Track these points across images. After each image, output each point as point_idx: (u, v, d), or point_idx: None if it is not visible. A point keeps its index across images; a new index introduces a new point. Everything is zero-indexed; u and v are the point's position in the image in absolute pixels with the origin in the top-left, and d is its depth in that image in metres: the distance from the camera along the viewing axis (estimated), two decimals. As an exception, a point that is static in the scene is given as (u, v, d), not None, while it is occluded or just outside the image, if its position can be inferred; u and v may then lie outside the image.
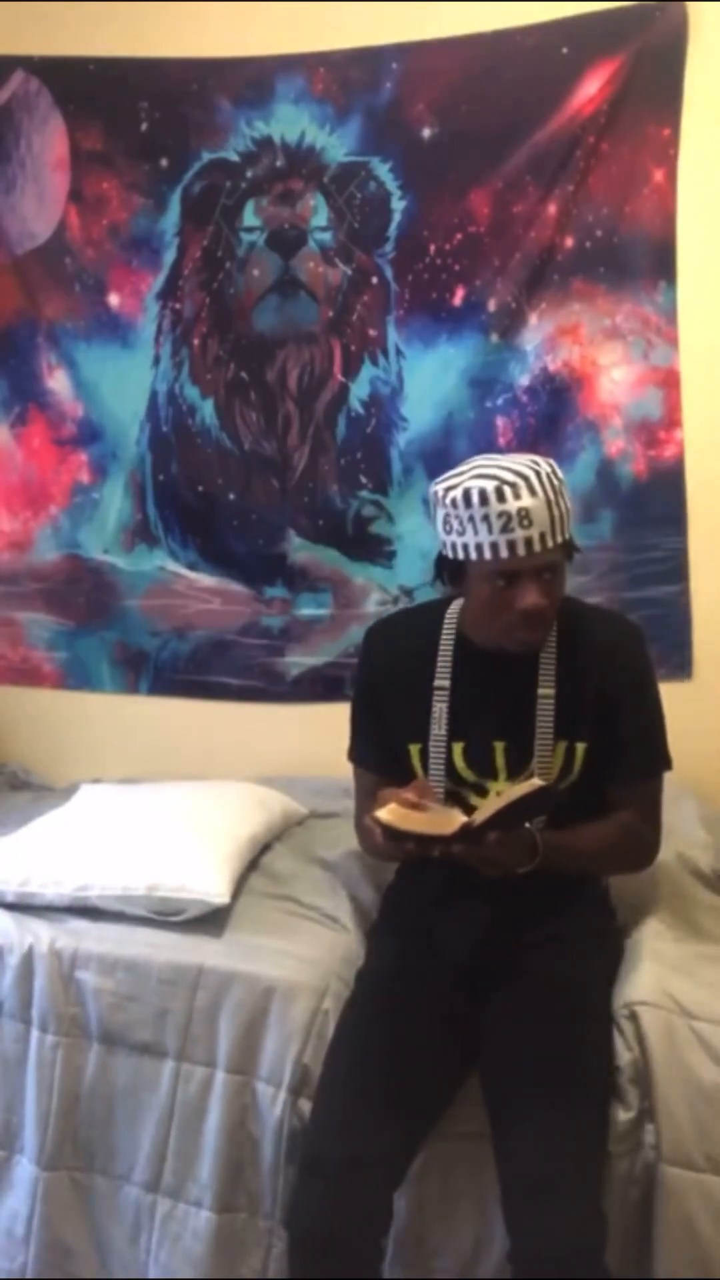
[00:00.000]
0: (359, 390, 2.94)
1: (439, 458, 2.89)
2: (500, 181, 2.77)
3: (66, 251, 3.01)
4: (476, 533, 1.78)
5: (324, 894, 2.22)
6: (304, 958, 1.97)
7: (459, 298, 2.85)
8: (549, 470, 1.81)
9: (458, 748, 1.92)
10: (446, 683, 1.92)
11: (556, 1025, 1.78)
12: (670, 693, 2.80)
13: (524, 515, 1.75)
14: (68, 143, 2.98)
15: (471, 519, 1.77)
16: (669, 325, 2.76)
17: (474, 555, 1.80)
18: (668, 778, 2.68)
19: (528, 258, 2.79)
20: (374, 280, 2.89)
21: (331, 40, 2.84)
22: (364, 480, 2.95)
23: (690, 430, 2.78)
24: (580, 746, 1.90)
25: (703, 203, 2.71)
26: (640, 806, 1.95)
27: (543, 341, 2.82)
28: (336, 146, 2.87)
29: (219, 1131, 1.89)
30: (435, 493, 1.85)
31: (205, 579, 3.08)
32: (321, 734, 2.84)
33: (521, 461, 1.81)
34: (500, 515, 1.75)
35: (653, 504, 2.82)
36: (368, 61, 2.82)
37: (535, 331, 2.82)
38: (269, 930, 2.07)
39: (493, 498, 1.75)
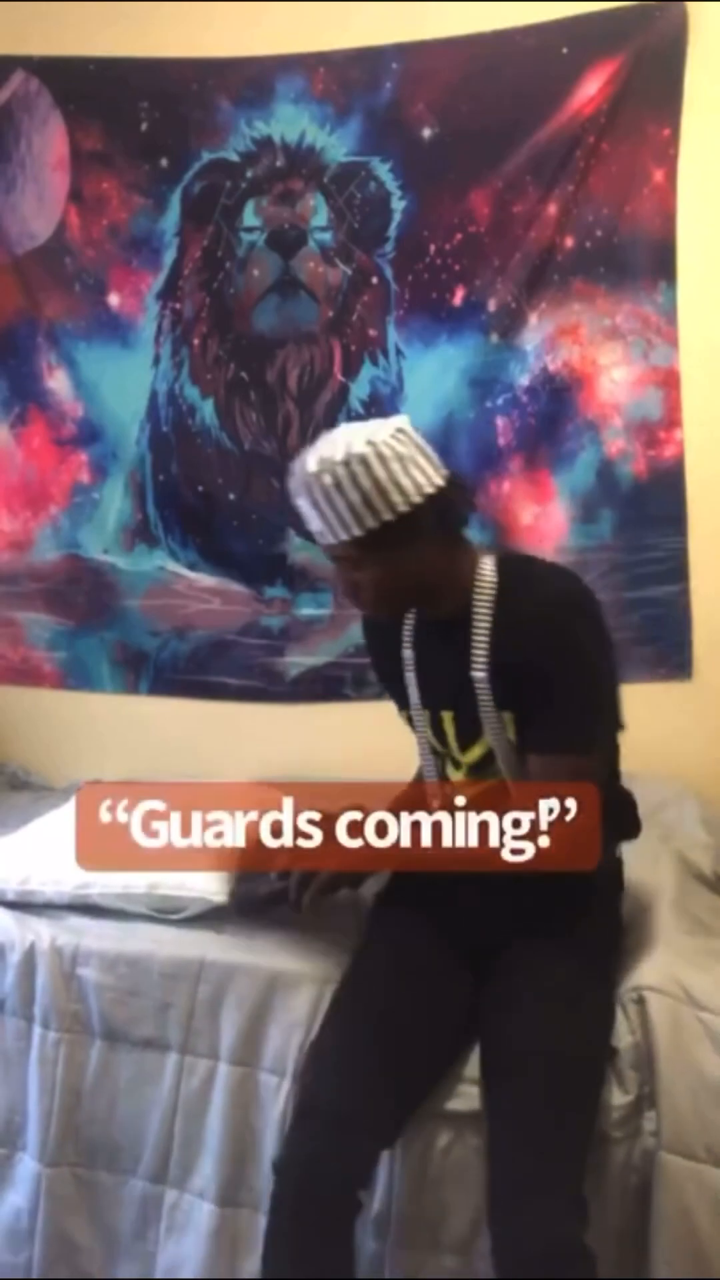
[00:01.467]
0: (359, 390, 2.94)
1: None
2: (500, 181, 2.78)
3: (66, 251, 3.02)
4: (303, 517, 1.78)
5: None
6: (305, 947, 1.97)
7: (459, 298, 2.86)
8: (360, 452, 1.69)
9: (423, 717, 1.91)
10: (410, 653, 1.91)
11: (546, 1022, 1.76)
12: (670, 693, 2.85)
13: (318, 504, 1.71)
14: (68, 143, 2.99)
15: (298, 504, 1.77)
16: (669, 325, 2.76)
17: None
18: (668, 778, 2.72)
19: (528, 258, 2.79)
20: (374, 280, 2.90)
21: (331, 40, 2.85)
22: (364, 480, 2.95)
23: (690, 430, 2.79)
24: (508, 716, 1.82)
25: (703, 203, 2.72)
26: (547, 781, 1.78)
27: (543, 341, 2.82)
28: (336, 146, 2.88)
29: (223, 1123, 1.88)
30: None
31: (205, 579, 3.09)
32: (321, 734, 2.85)
33: (338, 442, 1.70)
34: (308, 504, 1.73)
35: (653, 504, 2.82)
36: (368, 61, 2.83)
37: (535, 331, 2.83)
38: (270, 922, 2.06)
39: (302, 489, 1.73)
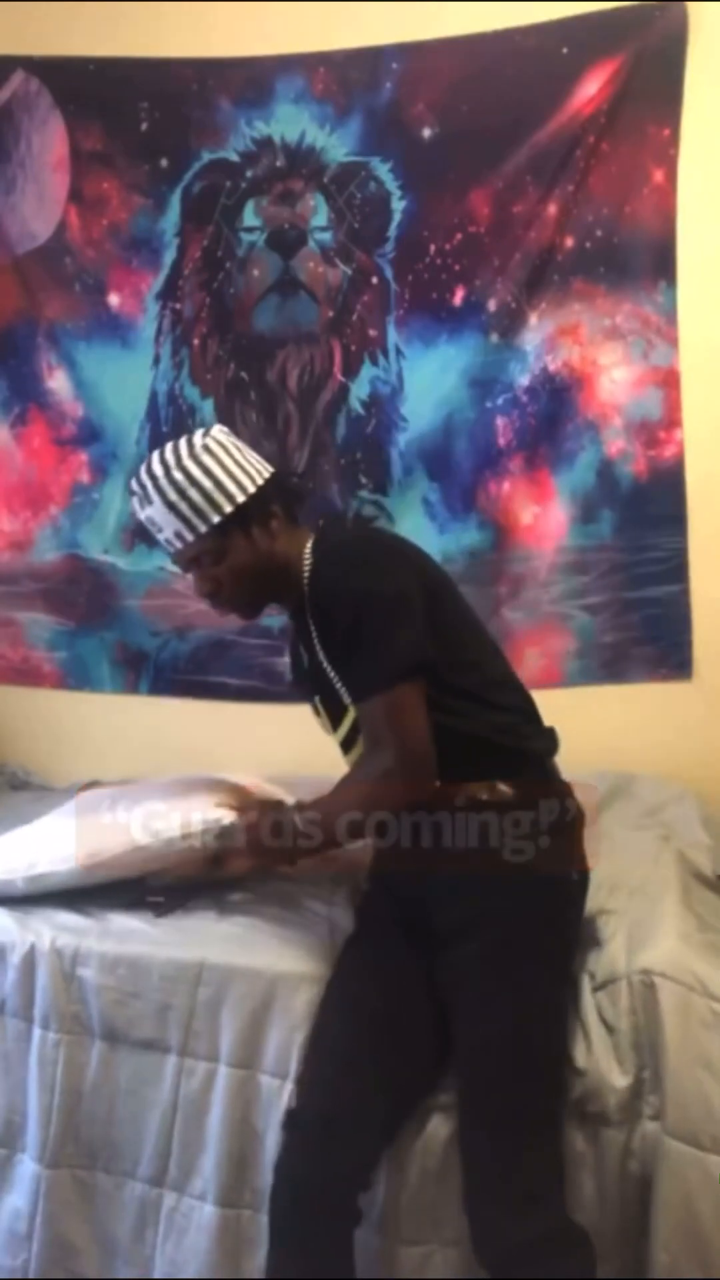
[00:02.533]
0: (359, 390, 2.94)
1: (439, 458, 2.90)
2: (500, 181, 2.78)
3: (66, 251, 3.02)
4: None
5: (324, 886, 2.22)
6: (305, 948, 1.97)
7: (459, 298, 2.86)
8: (177, 460, 1.86)
9: (320, 704, 1.98)
10: (291, 658, 2.07)
11: (485, 1009, 1.77)
12: (670, 693, 2.86)
13: (151, 523, 1.89)
14: (68, 143, 2.99)
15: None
16: (669, 325, 2.76)
17: None
18: (668, 778, 2.72)
19: (528, 258, 2.79)
20: (374, 280, 2.90)
21: (331, 40, 2.85)
22: (364, 480, 2.96)
23: (690, 430, 2.79)
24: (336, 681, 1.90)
25: (703, 203, 2.72)
26: (367, 729, 1.85)
27: (543, 341, 2.82)
28: (336, 146, 2.88)
29: (223, 1125, 1.88)
30: None
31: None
32: (321, 734, 2.84)
33: (161, 457, 1.88)
34: (144, 522, 1.92)
35: (653, 504, 2.82)
36: (368, 61, 2.83)
37: (535, 331, 2.83)
38: (270, 923, 2.07)
39: (137, 506, 1.91)
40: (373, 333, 2.92)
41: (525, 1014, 1.75)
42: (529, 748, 1.92)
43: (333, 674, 1.87)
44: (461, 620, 1.95)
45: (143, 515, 1.90)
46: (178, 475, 1.84)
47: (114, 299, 3.03)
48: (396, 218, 2.87)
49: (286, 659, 3.02)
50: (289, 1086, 1.85)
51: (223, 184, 2.95)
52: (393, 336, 2.91)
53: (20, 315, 3.08)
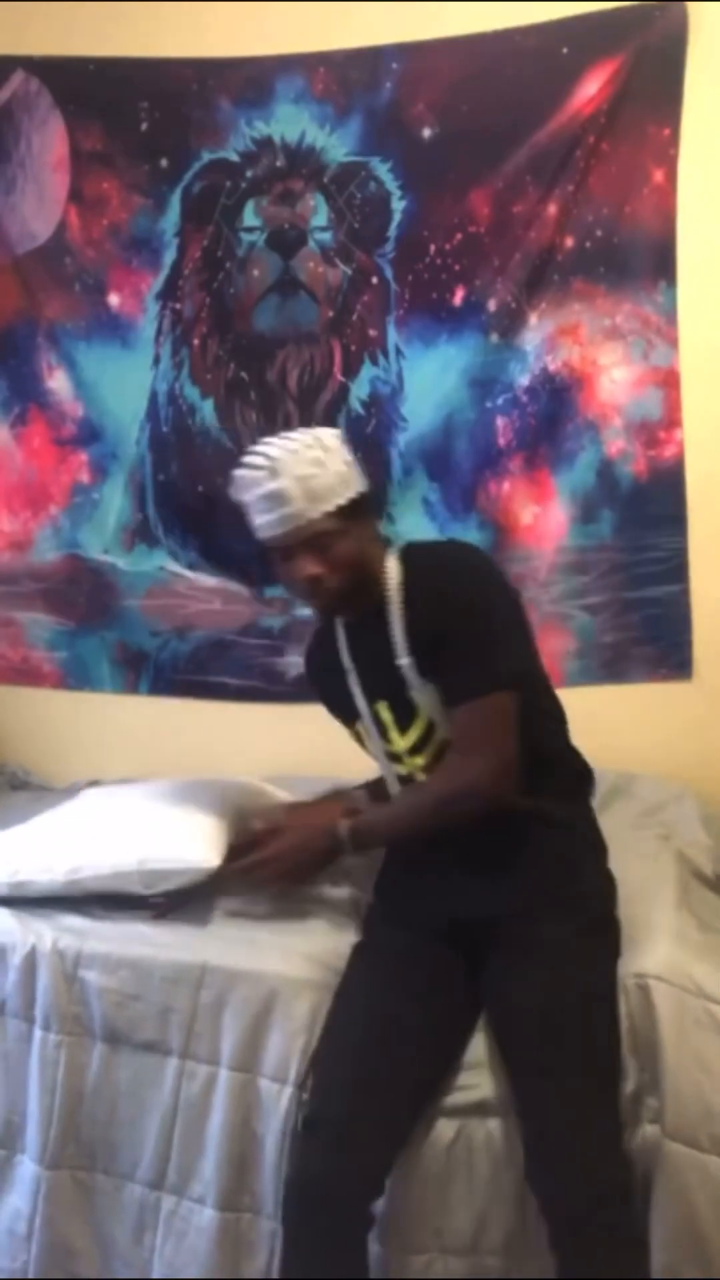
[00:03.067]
0: (359, 390, 2.94)
1: (439, 458, 2.90)
2: (500, 181, 2.78)
3: (66, 251, 3.02)
4: (254, 515, 1.91)
5: (325, 889, 2.21)
6: (308, 954, 1.97)
7: (459, 298, 2.85)
8: (310, 442, 1.89)
9: (383, 707, 1.98)
10: (350, 663, 2.01)
11: (556, 978, 1.79)
12: (670, 693, 2.86)
13: (275, 496, 1.86)
14: (68, 143, 2.99)
15: (245, 504, 1.91)
16: (669, 325, 2.76)
17: (259, 536, 1.93)
18: (668, 778, 2.72)
19: (528, 258, 2.79)
20: (374, 280, 2.90)
21: (331, 40, 2.84)
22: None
23: (690, 430, 2.78)
24: (431, 686, 1.92)
25: (703, 203, 2.72)
26: (463, 737, 1.89)
27: (543, 341, 2.82)
28: (336, 146, 2.88)
29: (223, 1129, 1.88)
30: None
31: (205, 579, 3.09)
32: (321, 734, 2.83)
33: (276, 444, 1.90)
34: (258, 499, 1.88)
35: (653, 504, 2.82)
36: (368, 61, 2.83)
37: (535, 331, 2.82)
38: (272, 927, 2.07)
39: (249, 484, 1.88)
40: (373, 333, 2.92)
41: (596, 998, 1.79)
42: (586, 770, 2.04)
43: (414, 677, 1.89)
44: (532, 639, 2.01)
45: (264, 489, 1.86)
46: (313, 454, 1.86)
47: (114, 299, 3.03)
48: (396, 218, 2.87)
49: (286, 659, 3.04)
50: (289, 1091, 1.85)
51: (223, 184, 2.94)
52: (393, 336, 2.91)
53: (20, 315, 3.07)
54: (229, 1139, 1.88)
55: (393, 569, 1.93)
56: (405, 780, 2.00)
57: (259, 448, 1.89)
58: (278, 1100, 1.85)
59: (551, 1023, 1.74)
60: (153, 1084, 1.94)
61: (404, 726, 1.95)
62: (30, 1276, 1.99)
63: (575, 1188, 1.63)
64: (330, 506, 1.86)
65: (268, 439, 1.91)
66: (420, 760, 1.96)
